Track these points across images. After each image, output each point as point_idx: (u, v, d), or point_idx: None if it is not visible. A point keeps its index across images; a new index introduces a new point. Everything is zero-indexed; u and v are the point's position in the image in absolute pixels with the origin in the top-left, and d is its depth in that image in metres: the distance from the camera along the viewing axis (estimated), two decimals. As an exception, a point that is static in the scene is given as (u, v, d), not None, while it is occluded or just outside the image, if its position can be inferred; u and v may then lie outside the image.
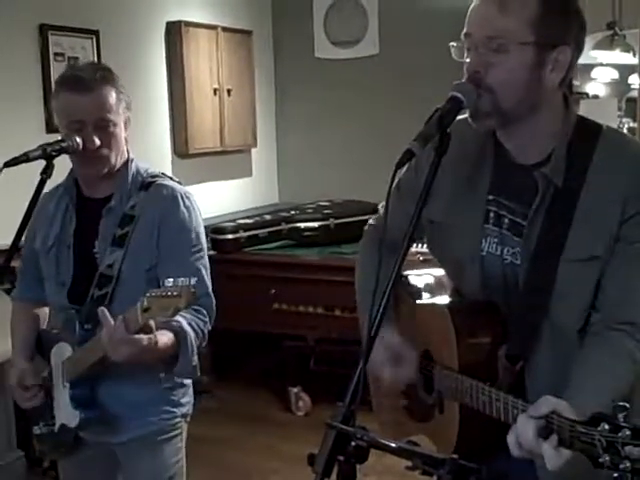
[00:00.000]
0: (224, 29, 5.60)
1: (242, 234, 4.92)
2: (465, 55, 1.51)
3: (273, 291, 4.65)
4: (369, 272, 1.71)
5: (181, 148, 5.36)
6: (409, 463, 1.26)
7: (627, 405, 1.12)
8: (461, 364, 1.58)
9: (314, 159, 6.26)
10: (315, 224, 4.99)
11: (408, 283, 1.86)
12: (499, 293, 1.63)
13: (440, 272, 1.82)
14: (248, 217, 5.25)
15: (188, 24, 5.29)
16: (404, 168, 1.40)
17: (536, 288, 1.54)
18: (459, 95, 1.44)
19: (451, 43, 1.53)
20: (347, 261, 4.44)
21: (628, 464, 1.09)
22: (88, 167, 2.08)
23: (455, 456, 1.20)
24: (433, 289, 1.82)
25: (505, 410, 1.42)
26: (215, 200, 5.70)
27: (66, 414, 2.09)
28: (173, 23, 5.25)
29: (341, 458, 1.26)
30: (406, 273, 1.86)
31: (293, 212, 5.22)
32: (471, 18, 1.51)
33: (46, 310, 2.31)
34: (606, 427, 1.12)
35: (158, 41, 5.24)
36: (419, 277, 1.87)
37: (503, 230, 1.61)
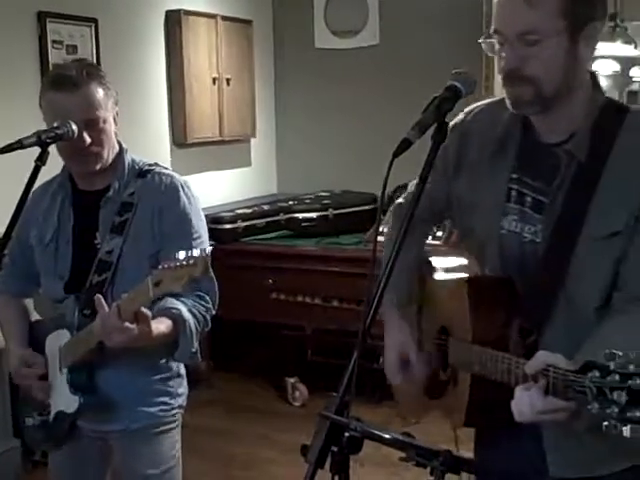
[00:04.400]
0: (224, 18, 5.56)
1: (240, 224, 4.92)
2: (496, 50, 1.50)
3: (271, 281, 4.65)
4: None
5: (180, 137, 5.33)
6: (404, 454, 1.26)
7: (620, 353, 1.10)
8: (475, 335, 1.60)
9: (313, 149, 6.24)
10: (313, 214, 4.98)
11: (432, 266, 1.90)
12: (516, 271, 1.64)
13: (465, 260, 1.84)
14: (246, 207, 5.24)
15: (188, 13, 5.25)
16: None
17: (553, 264, 1.55)
18: (457, 84, 1.45)
19: (480, 40, 1.53)
20: (345, 252, 4.43)
21: (616, 409, 1.07)
22: (80, 165, 2.08)
23: (449, 448, 1.20)
24: (455, 269, 1.85)
25: (509, 371, 1.43)
26: (213, 190, 5.69)
27: (64, 400, 2.09)
28: (172, 12, 5.22)
29: (335, 449, 1.25)
30: (431, 258, 1.91)
31: (291, 202, 5.22)
32: (499, 14, 1.50)
33: (29, 302, 2.32)
34: (597, 374, 1.12)
35: (157, 30, 5.20)
36: (443, 260, 1.91)
37: (525, 208, 1.62)
